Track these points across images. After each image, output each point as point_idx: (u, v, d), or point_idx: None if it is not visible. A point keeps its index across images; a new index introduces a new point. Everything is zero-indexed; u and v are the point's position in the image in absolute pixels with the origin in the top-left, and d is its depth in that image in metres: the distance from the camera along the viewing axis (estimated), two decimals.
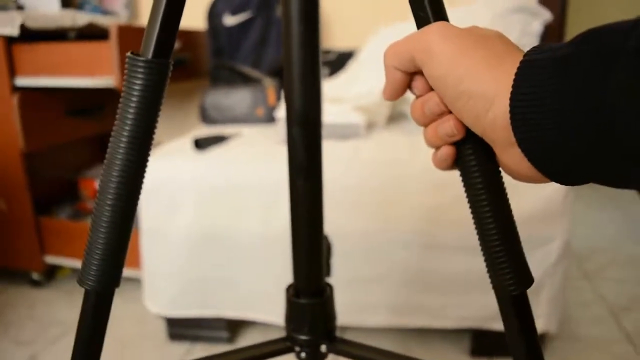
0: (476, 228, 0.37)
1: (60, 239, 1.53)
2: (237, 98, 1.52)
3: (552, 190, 1.05)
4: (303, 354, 0.55)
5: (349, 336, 0.75)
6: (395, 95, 0.35)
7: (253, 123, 1.52)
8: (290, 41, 0.47)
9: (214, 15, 1.70)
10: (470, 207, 0.36)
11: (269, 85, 1.53)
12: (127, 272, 1.47)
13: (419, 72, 0.34)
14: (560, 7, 1.64)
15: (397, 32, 1.49)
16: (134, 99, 0.37)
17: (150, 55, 0.37)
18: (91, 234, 0.39)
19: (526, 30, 1.44)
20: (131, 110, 0.37)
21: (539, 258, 1.07)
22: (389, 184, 1.10)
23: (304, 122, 0.49)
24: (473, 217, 0.37)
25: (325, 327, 0.56)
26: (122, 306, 1.45)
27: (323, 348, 0.56)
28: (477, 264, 1.10)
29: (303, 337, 0.55)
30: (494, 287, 0.39)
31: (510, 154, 0.29)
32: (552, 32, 1.63)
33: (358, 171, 1.12)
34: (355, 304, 1.15)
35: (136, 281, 1.56)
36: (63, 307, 1.46)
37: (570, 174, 0.27)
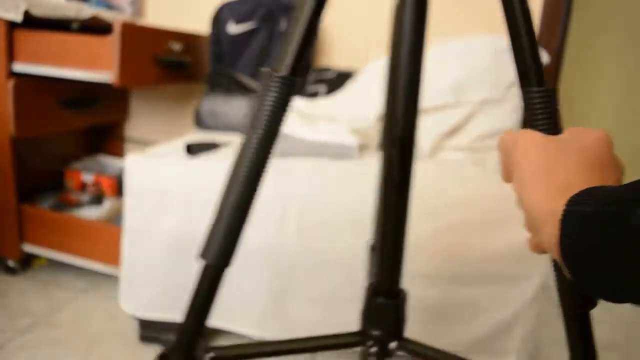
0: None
1: (40, 228, 1.52)
2: (233, 106, 1.53)
3: None
4: (373, 349, 0.60)
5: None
6: (507, 179, 0.40)
7: None
8: (398, 70, 0.52)
9: (218, 22, 1.71)
10: None
11: None
12: (104, 268, 1.46)
13: None
14: (557, 49, 1.68)
15: None
16: (267, 108, 0.44)
17: (286, 73, 0.44)
18: (216, 217, 0.46)
19: None
20: (263, 118, 0.44)
21: (515, 294, 1.08)
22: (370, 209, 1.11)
23: (403, 142, 0.54)
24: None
25: (397, 326, 0.61)
26: (96, 302, 1.44)
27: (392, 345, 0.60)
28: (456, 294, 1.11)
29: (376, 333, 0.60)
30: (562, 306, 0.47)
31: (561, 264, 0.32)
32: (548, 72, 1.66)
33: (343, 190, 1.13)
34: (332, 322, 1.16)
35: (113, 278, 1.55)
36: (36, 298, 1.44)
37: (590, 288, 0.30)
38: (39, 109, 1.48)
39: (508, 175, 0.39)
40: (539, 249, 0.39)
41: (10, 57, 1.39)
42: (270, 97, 0.44)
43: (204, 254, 0.47)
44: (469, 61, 1.43)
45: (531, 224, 0.35)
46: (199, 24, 1.86)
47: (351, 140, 1.27)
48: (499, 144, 0.40)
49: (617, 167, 0.35)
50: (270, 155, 0.46)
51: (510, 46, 0.46)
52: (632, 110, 2.89)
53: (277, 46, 1.67)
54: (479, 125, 1.39)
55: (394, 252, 0.59)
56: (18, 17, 1.31)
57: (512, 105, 1.44)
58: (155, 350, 1.25)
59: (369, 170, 1.23)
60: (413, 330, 1.12)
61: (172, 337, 1.26)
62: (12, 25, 1.38)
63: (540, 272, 1.07)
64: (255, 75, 1.66)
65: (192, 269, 1.18)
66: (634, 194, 0.27)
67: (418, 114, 0.54)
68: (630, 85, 2.88)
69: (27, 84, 1.42)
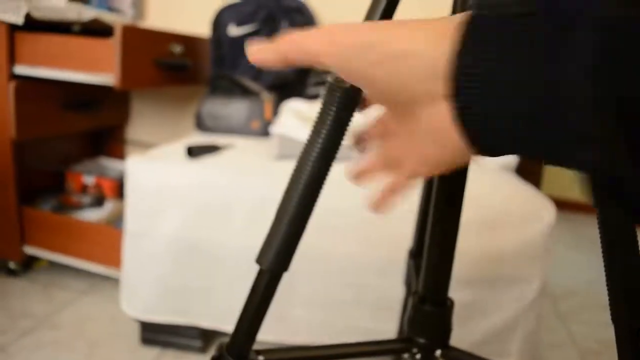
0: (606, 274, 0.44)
1: (41, 231, 1.52)
2: (234, 109, 1.53)
3: (534, 232, 1.06)
4: (418, 356, 0.60)
5: None
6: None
7: (247, 135, 1.53)
8: None
9: (219, 24, 1.71)
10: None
11: (267, 99, 1.54)
12: (105, 270, 1.47)
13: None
14: None
15: None
16: (330, 119, 0.44)
17: (349, 84, 0.44)
18: (275, 223, 0.47)
19: None
20: (326, 127, 0.44)
21: (516, 296, 1.08)
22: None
23: None
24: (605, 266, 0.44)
25: (442, 335, 0.61)
26: (97, 304, 1.44)
27: (437, 353, 0.61)
28: (456, 296, 1.11)
29: (421, 341, 0.60)
30: (613, 321, 0.44)
31: (433, 113, 0.25)
32: None
33: (345, 194, 1.13)
34: (332, 326, 1.16)
35: (113, 280, 1.55)
36: (37, 300, 1.44)
37: (503, 147, 0.24)
38: (40, 112, 1.49)
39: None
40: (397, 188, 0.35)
41: (12, 59, 1.40)
42: (333, 107, 0.44)
43: (260, 260, 0.49)
44: None
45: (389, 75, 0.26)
46: (200, 26, 1.86)
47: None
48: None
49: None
50: (331, 165, 0.46)
51: None
52: None
53: None
54: None
55: (443, 260, 0.59)
56: (19, 20, 1.32)
57: None
58: (155, 352, 1.26)
59: None
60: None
61: (172, 339, 1.26)
62: (13, 28, 1.38)
63: (540, 274, 1.08)
64: (256, 78, 1.66)
65: (193, 272, 1.18)
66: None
67: None
68: None
69: (28, 87, 1.43)
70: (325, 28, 0.28)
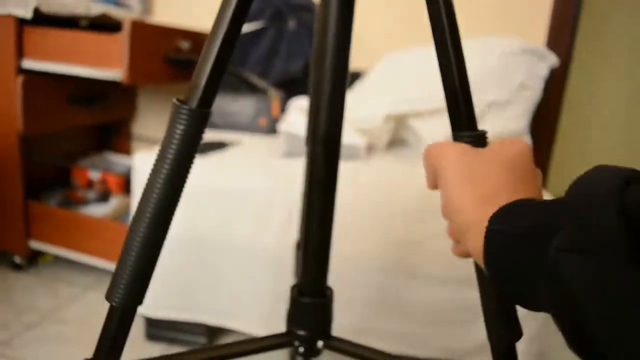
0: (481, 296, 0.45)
1: (47, 225, 1.52)
2: (241, 106, 1.53)
3: None
4: (301, 349, 0.60)
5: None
6: (432, 185, 0.43)
7: (254, 132, 1.53)
8: (323, 63, 0.51)
9: None
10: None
11: (274, 96, 1.53)
12: (110, 265, 1.46)
13: None
14: (565, 53, 1.67)
15: (405, 57, 1.51)
16: (175, 142, 0.41)
17: (194, 105, 0.42)
18: (122, 256, 0.43)
19: (531, 72, 1.46)
20: (171, 151, 0.41)
21: None
22: (379, 209, 1.11)
23: (327, 141, 0.53)
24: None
25: (323, 325, 0.61)
26: (102, 299, 1.44)
27: (319, 344, 0.60)
28: (459, 296, 1.10)
29: (302, 333, 0.60)
30: (489, 339, 0.45)
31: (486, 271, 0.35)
32: (556, 76, 1.66)
33: (352, 193, 1.13)
34: (340, 323, 1.15)
35: None
36: (41, 294, 1.44)
37: (519, 288, 0.32)
38: (48, 106, 1.48)
39: (432, 182, 0.42)
40: (463, 254, 0.41)
41: (20, 53, 1.40)
42: (179, 130, 0.41)
43: (109, 297, 0.44)
44: (477, 63, 1.43)
45: (457, 230, 0.37)
46: (208, 22, 1.86)
47: (358, 141, 1.27)
48: (425, 153, 0.42)
49: (537, 176, 0.38)
50: (181, 191, 0.43)
51: (443, 88, 0.46)
52: None
53: (285, 45, 1.67)
54: (487, 127, 1.38)
55: (320, 251, 0.59)
56: (28, 14, 1.32)
57: (521, 107, 1.43)
58: (161, 348, 1.25)
59: (376, 171, 1.22)
60: (416, 331, 1.12)
61: (178, 335, 1.26)
62: (21, 22, 1.38)
63: None
64: (263, 74, 1.66)
65: (199, 268, 1.18)
66: (550, 218, 0.30)
67: (343, 114, 0.54)
68: None
69: (37, 81, 1.43)
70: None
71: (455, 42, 0.44)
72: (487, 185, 0.36)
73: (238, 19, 0.43)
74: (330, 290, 0.62)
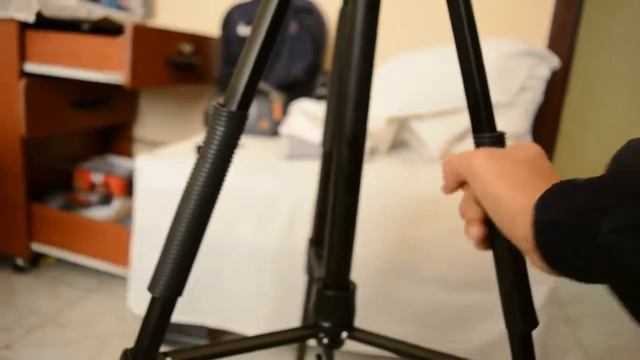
0: (497, 277, 0.48)
1: (49, 228, 1.52)
2: None
3: None
4: (325, 340, 0.63)
5: None
6: (449, 191, 0.45)
7: (256, 135, 1.53)
8: (350, 64, 0.53)
9: (229, 24, 1.71)
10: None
11: (276, 99, 1.54)
12: (112, 268, 1.47)
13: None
14: (567, 55, 1.67)
15: (408, 60, 1.51)
16: (215, 143, 0.44)
17: (234, 108, 0.44)
18: (164, 251, 0.46)
19: (533, 73, 1.47)
20: (212, 152, 0.44)
21: None
22: (380, 211, 1.11)
23: (353, 140, 0.55)
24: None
25: (347, 317, 0.63)
26: (104, 302, 1.44)
27: (343, 335, 0.63)
28: (460, 299, 1.10)
29: (327, 325, 0.62)
30: (507, 327, 0.49)
31: (532, 257, 0.36)
32: (558, 78, 1.66)
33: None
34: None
35: (121, 278, 1.56)
36: (43, 297, 1.44)
37: (576, 273, 0.34)
38: (50, 109, 1.49)
39: (450, 188, 0.45)
40: (483, 244, 0.44)
41: (22, 57, 1.40)
42: (219, 132, 0.44)
43: (151, 288, 0.47)
44: None
45: (500, 219, 0.38)
46: (210, 25, 1.86)
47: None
48: (446, 161, 0.44)
49: (556, 175, 0.40)
50: (220, 189, 0.46)
51: (464, 92, 0.48)
52: None
53: (287, 48, 1.68)
54: None
55: (344, 246, 0.61)
56: (30, 18, 1.32)
57: (522, 109, 1.43)
58: (163, 350, 1.25)
59: (378, 173, 1.23)
60: (415, 333, 1.12)
61: (179, 337, 1.26)
62: (24, 26, 1.39)
63: (550, 278, 1.07)
64: (265, 77, 1.66)
65: (202, 271, 1.18)
66: (598, 198, 0.31)
67: (368, 114, 0.56)
68: None
69: (38, 84, 1.43)
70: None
71: (475, 46, 0.46)
72: (520, 176, 0.38)
73: (275, 25, 0.45)
74: (353, 284, 0.64)
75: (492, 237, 0.45)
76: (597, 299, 1.78)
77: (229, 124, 0.44)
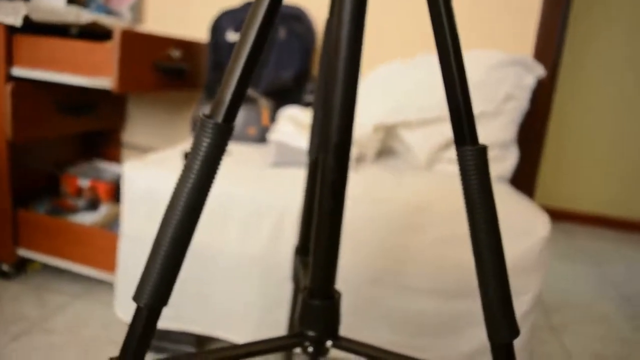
0: (480, 287, 0.49)
1: (35, 233, 1.51)
2: None
3: (528, 246, 1.07)
4: (310, 348, 0.63)
5: None
6: None
7: (244, 141, 1.54)
8: (336, 74, 0.54)
9: (217, 30, 1.71)
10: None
11: (264, 105, 1.54)
12: (99, 274, 1.46)
13: None
14: (552, 64, 1.69)
15: (396, 68, 1.52)
16: (201, 154, 0.45)
17: (220, 120, 0.45)
18: (149, 261, 0.46)
19: (518, 83, 1.48)
20: (197, 162, 0.45)
21: None
22: (367, 219, 1.12)
23: (339, 147, 0.56)
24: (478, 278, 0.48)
25: (332, 326, 0.63)
26: (90, 308, 1.43)
27: (328, 344, 0.63)
28: (448, 307, 1.11)
29: (312, 334, 0.63)
30: (489, 337, 0.49)
31: None
32: (543, 87, 1.68)
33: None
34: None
35: (107, 284, 1.55)
36: (29, 303, 1.43)
37: None
38: (37, 114, 1.48)
39: None
40: None
41: (9, 61, 1.39)
42: (205, 143, 0.45)
43: (137, 297, 0.47)
44: None
45: None
46: (198, 31, 1.86)
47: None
48: None
49: None
50: (206, 199, 0.47)
51: (447, 105, 0.48)
52: (630, 123, 2.91)
53: (275, 55, 1.68)
54: None
55: (328, 255, 0.61)
56: (18, 22, 1.32)
57: (508, 118, 1.45)
58: (149, 358, 1.25)
59: (365, 181, 1.23)
60: (403, 342, 1.13)
61: (166, 344, 1.26)
62: (11, 30, 1.38)
63: (535, 286, 1.08)
64: (253, 83, 1.66)
65: (188, 277, 1.18)
66: None
67: (354, 122, 0.56)
68: (627, 97, 2.91)
69: (26, 89, 1.42)
70: None
71: (458, 59, 0.47)
72: None
73: (261, 37, 0.46)
74: (338, 293, 0.65)
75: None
76: (583, 306, 1.80)
77: (214, 135, 0.45)
